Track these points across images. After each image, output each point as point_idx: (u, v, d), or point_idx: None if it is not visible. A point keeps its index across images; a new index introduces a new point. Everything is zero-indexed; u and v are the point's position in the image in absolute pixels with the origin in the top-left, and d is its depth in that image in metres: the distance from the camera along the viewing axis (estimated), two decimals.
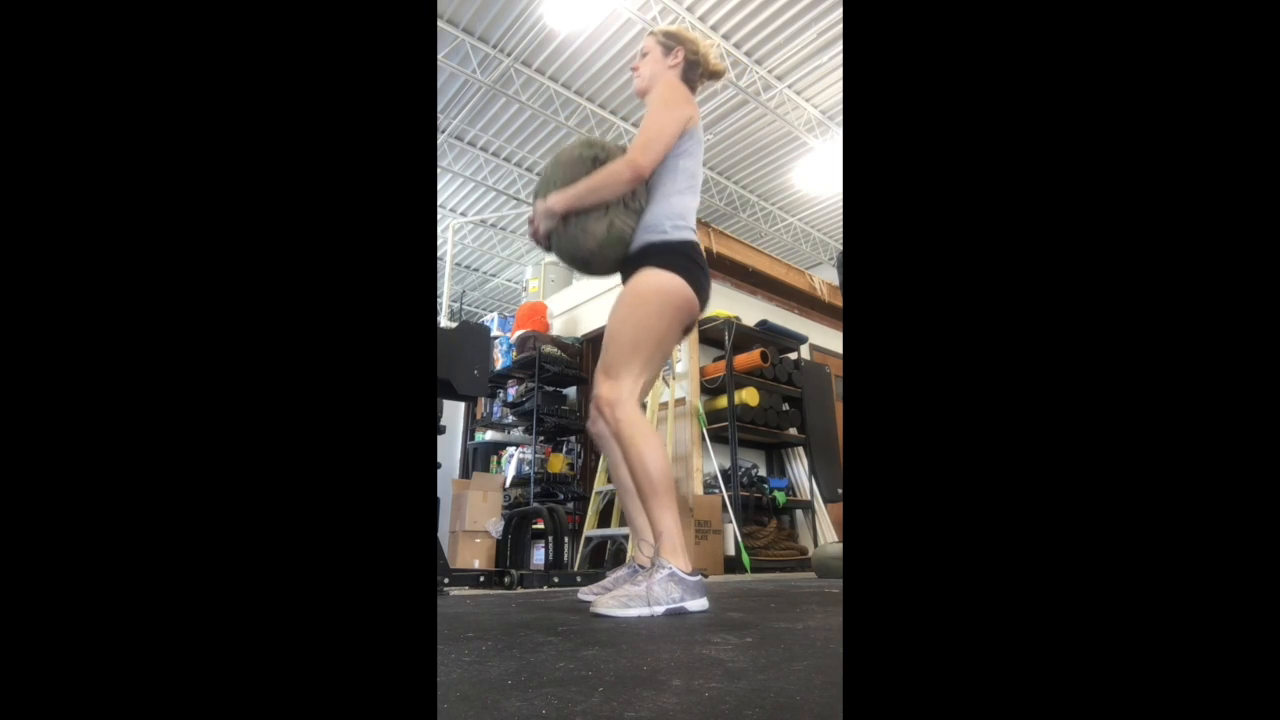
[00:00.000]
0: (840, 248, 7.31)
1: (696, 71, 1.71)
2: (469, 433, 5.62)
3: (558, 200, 1.50)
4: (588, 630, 1.03)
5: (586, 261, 1.56)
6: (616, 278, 1.59)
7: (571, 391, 5.08)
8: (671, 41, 1.71)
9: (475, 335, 2.47)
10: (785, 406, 4.39)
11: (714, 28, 5.13)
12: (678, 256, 1.50)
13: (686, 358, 4.29)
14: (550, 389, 4.89)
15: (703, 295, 1.53)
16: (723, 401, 4.09)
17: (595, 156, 1.54)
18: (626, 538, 3.57)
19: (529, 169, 6.83)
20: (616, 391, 1.43)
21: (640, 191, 1.53)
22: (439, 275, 6.01)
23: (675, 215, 1.54)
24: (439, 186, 6.89)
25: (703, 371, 4.33)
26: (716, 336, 4.36)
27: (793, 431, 4.44)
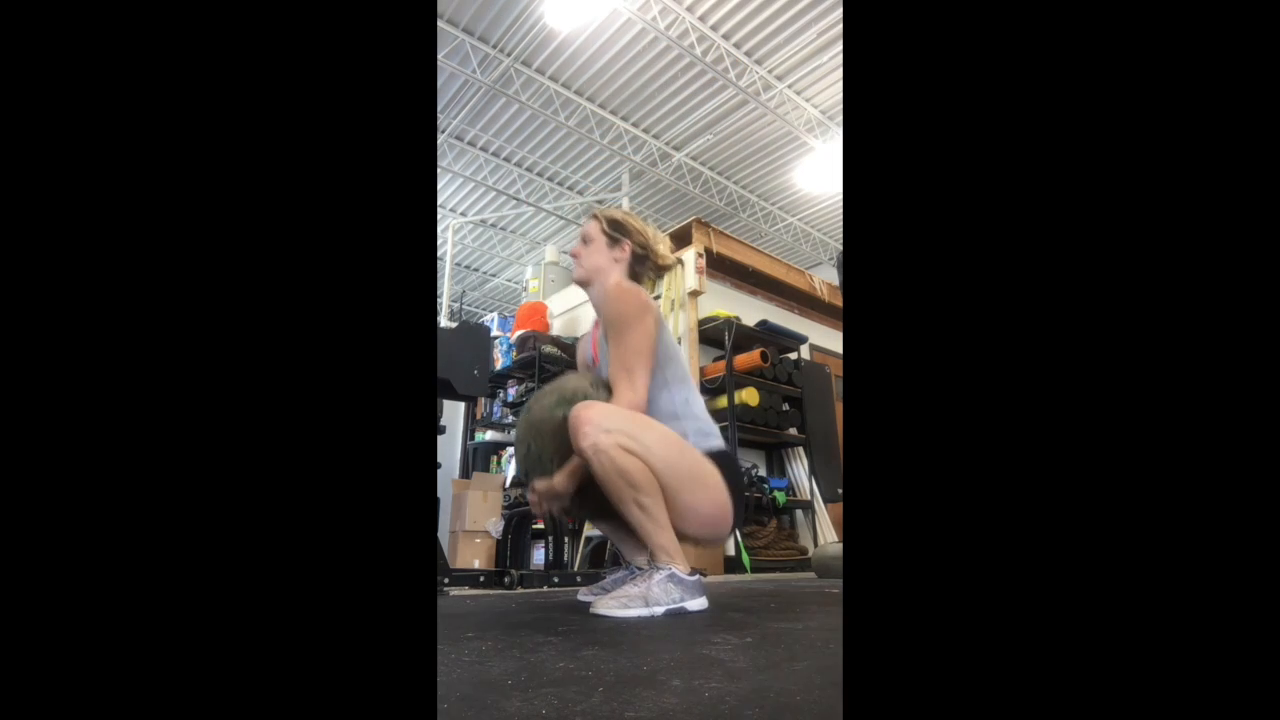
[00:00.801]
0: (840, 248, 7.31)
1: (645, 265, 1.55)
2: (469, 433, 5.62)
3: (564, 483, 1.34)
4: (588, 630, 1.02)
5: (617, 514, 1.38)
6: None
7: None
8: (617, 233, 1.53)
9: (475, 335, 2.48)
10: (785, 406, 4.38)
11: (714, 28, 5.13)
12: (728, 463, 1.38)
13: (687, 358, 4.28)
14: None
15: (736, 519, 1.38)
16: (723, 401, 4.09)
17: None
18: None
19: (529, 169, 6.83)
20: (605, 422, 1.24)
21: None
22: (439, 275, 6.01)
23: (698, 433, 1.40)
24: (439, 186, 6.89)
25: (703, 372, 4.32)
26: (716, 336, 4.35)
27: (793, 431, 4.44)
